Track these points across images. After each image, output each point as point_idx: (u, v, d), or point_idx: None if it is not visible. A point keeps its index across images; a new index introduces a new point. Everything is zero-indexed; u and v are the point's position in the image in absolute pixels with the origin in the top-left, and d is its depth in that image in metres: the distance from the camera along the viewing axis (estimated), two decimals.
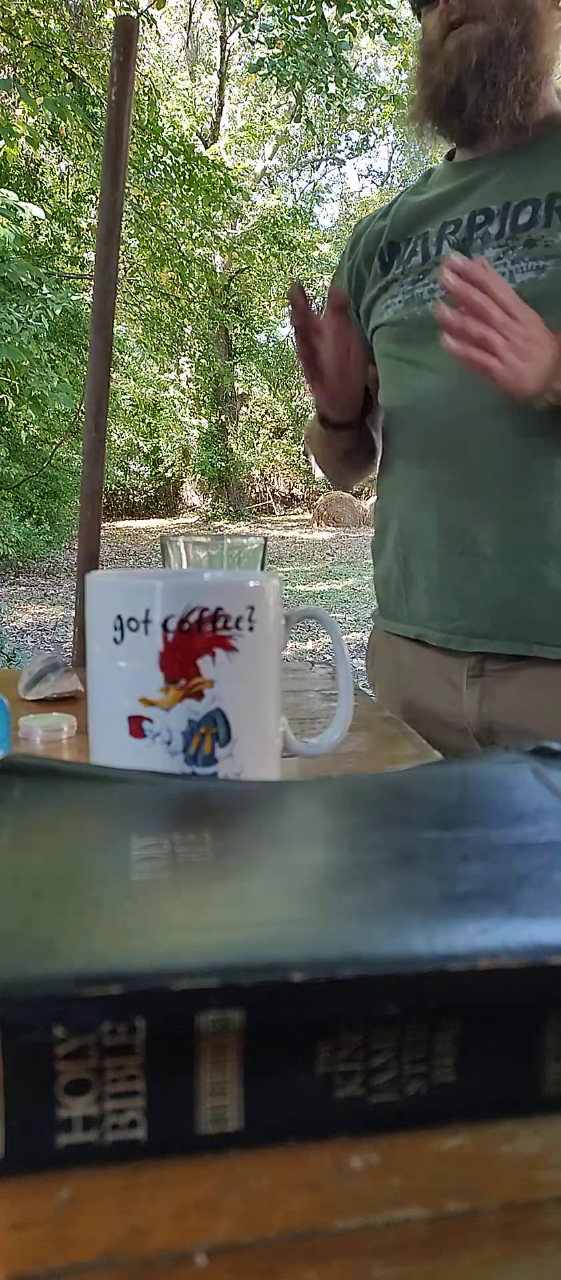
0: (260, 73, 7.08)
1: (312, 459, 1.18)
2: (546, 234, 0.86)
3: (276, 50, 6.86)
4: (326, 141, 13.48)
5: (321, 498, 12.49)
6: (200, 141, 11.10)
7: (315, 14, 6.70)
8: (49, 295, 6.29)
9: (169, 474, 14.85)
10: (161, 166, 8.04)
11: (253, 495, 15.37)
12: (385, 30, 6.77)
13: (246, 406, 15.51)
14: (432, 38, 0.92)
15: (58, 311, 6.39)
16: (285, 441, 15.66)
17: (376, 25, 6.73)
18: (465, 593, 0.91)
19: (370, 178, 17.60)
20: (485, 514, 0.89)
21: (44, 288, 6.29)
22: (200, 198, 8.47)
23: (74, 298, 7.19)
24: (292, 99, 7.70)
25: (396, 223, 1.02)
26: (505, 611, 0.89)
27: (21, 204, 5.62)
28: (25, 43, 6.64)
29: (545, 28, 0.90)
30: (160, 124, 7.80)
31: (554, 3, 0.91)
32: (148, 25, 7.25)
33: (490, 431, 0.88)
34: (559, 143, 0.90)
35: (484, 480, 0.89)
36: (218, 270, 12.09)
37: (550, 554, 0.87)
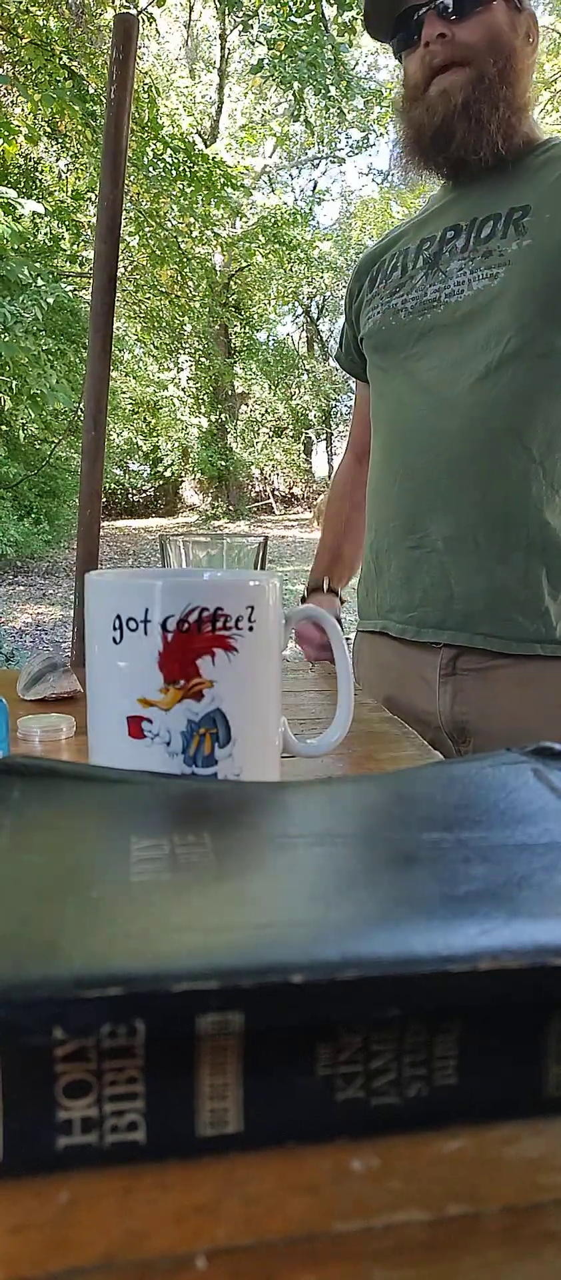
0: (260, 74, 7.08)
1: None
2: (502, 244, 0.91)
3: (276, 51, 6.85)
4: (326, 140, 13.47)
5: (321, 497, 12.48)
6: (200, 140, 11.09)
7: (315, 13, 6.69)
8: (43, 285, 6.27)
9: (168, 473, 14.84)
10: (161, 164, 8.02)
11: (252, 494, 15.36)
12: None
13: (246, 405, 15.50)
14: (416, 80, 0.96)
15: (50, 301, 6.36)
16: (285, 440, 15.65)
17: None
18: (417, 584, 0.96)
19: (370, 176, 17.61)
20: (437, 508, 0.93)
21: (39, 280, 6.27)
22: (201, 196, 8.45)
23: (68, 289, 7.17)
24: (292, 98, 7.66)
25: (387, 242, 1.09)
26: (452, 603, 0.93)
27: (20, 200, 5.60)
28: (24, 40, 6.63)
29: (521, 64, 0.94)
30: (160, 122, 7.78)
31: (526, 39, 0.96)
32: (147, 23, 7.24)
33: (446, 429, 0.92)
34: (527, 165, 0.95)
35: (437, 475, 0.93)
36: (217, 268, 12.08)
37: (498, 548, 0.90)
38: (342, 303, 1.26)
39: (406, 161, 1.00)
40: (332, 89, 7.14)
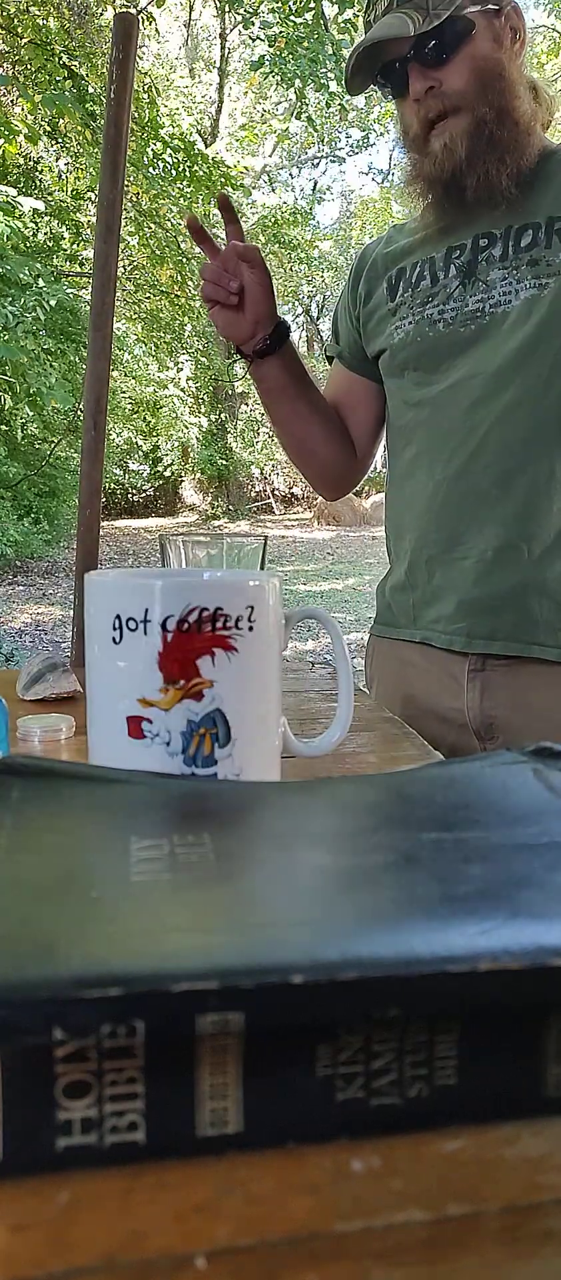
0: (261, 70, 7.08)
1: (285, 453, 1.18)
2: (548, 254, 0.89)
3: (277, 48, 6.86)
4: (327, 139, 13.47)
5: (321, 499, 12.45)
6: (200, 140, 11.09)
7: (315, 11, 6.69)
8: (44, 288, 6.26)
9: (168, 473, 14.83)
10: (161, 164, 8.03)
11: (252, 494, 15.35)
12: None
13: (246, 405, 15.49)
14: (415, 131, 0.93)
15: (53, 303, 6.36)
16: None
17: None
18: (465, 595, 0.94)
19: (370, 175, 17.63)
20: (484, 518, 0.92)
21: (40, 280, 6.27)
22: (200, 196, 8.45)
23: (69, 291, 7.18)
24: (293, 96, 7.67)
25: (401, 248, 1.04)
26: (503, 613, 0.91)
27: (19, 199, 5.59)
28: (24, 40, 6.63)
29: (515, 78, 0.91)
30: (160, 122, 7.78)
31: (513, 38, 0.92)
32: (147, 23, 7.24)
33: (492, 439, 0.91)
34: (551, 172, 0.93)
35: (487, 486, 0.92)
36: None
37: (548, 556, 0.89)
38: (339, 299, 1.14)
39: (425, 206, 0.97)
40: (334, 84, 7.13)
